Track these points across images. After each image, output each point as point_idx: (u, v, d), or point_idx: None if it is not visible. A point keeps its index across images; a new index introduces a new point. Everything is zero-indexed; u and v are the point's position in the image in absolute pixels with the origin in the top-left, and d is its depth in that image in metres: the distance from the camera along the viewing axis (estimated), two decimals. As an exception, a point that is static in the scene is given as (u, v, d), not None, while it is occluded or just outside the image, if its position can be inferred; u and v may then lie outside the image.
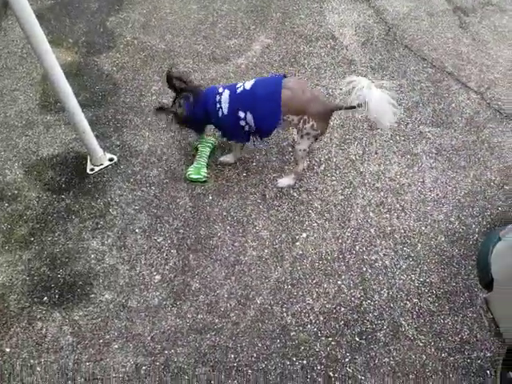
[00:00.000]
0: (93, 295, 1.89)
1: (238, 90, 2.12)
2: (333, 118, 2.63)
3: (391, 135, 2.60)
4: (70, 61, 2.89)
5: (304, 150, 2.19)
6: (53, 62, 1.96)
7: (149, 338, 1.79)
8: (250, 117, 2.10)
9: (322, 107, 2.10)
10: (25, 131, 2.49)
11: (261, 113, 2.08)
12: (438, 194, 2.35)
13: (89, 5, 3.38)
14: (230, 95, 2.12)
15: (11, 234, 2.06)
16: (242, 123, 2.13)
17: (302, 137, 2.14)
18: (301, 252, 2.09)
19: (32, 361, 1.70)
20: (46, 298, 1.88)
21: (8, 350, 1.73)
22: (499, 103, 2.80)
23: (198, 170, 2.32)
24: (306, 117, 2.07)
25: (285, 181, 2.35)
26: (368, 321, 1.90)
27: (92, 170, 2.31)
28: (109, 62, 2.93)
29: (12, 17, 3.14)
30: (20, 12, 1.71)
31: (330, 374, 1.75)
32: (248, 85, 2.12)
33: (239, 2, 3.44)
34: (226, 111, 2.12)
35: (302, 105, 2.06)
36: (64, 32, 3.14)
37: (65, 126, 2.52)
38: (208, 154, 2.41)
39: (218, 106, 2.12)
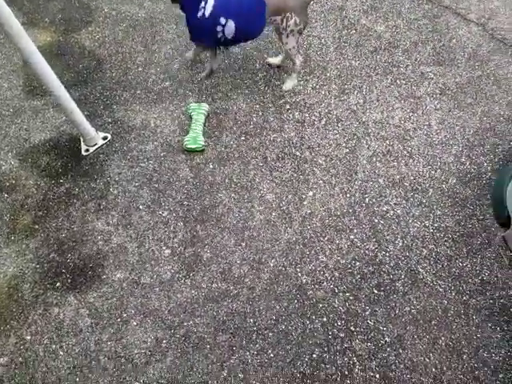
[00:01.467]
0: (105, 276, 1.87)
1: None
2: (329, 69, 2.52)
3: (391, 79, 2.47)
4: (49, 41, 2.74)
5: (294, 48, 2.31)
6: (30, 47, 1.85)
7: (166, 312, 1.78)
8: (231, 25, 2.17)
9: (298, 1, 2.19)
10: (13, 119, 2.40)
11: (248, 19, 2.20)
12: (445, 136, 2.25)
13: (61, -21, 3.20)
14: (215, 1, 2.19)
15: (15, 224, 2.02)
16: (219, 29, 2.20)
17: (287, 36, 2.25)
18: (309, 211, 2.04)
19: (54, 346, 1.69)
20: (58, 283, 1.86)
21: (29, 337, 1.72)
22: (502, 33, 2.64)
23: (194, 138, 2.23)
24: (288, 14, 2.18)
25: (289, 83, 2.46)
26: (384, 272, 1.86)
27: (87, 150, 2.23)
28: (89, 37, 2.78)
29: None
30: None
31: (352, 328, 1.73)
32: None
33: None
34: (207, 14, 2.17)
35: (283, 3, 2.17)
36: (39, 11, 2.98)
37: (53, 109, 2.42)
38: (203, 121, 2.32)
39: (202, 5, 2.18)
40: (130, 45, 2.72)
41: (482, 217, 2.00)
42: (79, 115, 2.17)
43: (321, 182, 2.13)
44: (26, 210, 2.06)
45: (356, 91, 2.43)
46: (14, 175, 2.19)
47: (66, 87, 2.08)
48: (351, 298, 1.81)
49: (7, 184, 2.16)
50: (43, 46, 2.72)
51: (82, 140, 2.25)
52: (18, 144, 2.30)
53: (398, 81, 2.46)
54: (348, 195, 2.08)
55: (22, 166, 2.22)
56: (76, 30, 2.84)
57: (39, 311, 1.78)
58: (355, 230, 1.98)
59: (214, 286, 1.85)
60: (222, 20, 2.17)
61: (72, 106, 2.13)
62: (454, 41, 2.62)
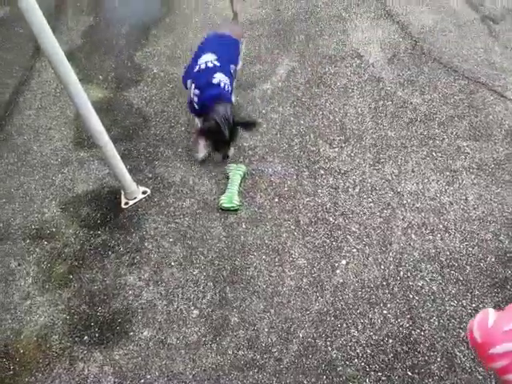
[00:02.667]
0: (132, 333, 1.86)
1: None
2: (364, 138, 2.58)
3: (427, 152, 2.50)
4: (100, 97, 2.96)
5: None
6: (84, 100, 2.01)
7: (190, 377, 1.74)
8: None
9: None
10: (60, 169, 2.54)
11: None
12: (483, 212, 2.22)
13: (117, 42, 3.49)
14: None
15: (51, 273, 2.08)
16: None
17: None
18: (341, 280, 2.01)
19: (75, 404, 1.68)
20: (86, 337, 1.86)
21: (51, 392, 1.72)
22: (540, 111, 2.66)
23: (230, 198, 2.29)
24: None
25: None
26: (419, 352, 1.78)
27: (126, 203, 2.32)
28: (137, 95, 2.98)
29: (44, 58, 3.27)
30: (51, 55, 1.75)
31: (383, 412, 1.64)
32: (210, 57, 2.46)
33: (262, 27, 3.47)
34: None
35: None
36: (94, 69, 3.24)
37: (98, 161, 2.56)
38: (239, 181, 2.39)
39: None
40: (175, 105, 2.89)
41: (523, 300, 1.92)
42: (122, 169, 2.28)
43: (354, 250, 2.11)
44: (63, 258, 2.13)
45: (391, 161, 2.46)
46: (55, 223, 2.28)
47: (112, 141, 2.21)
48: (383, 378, 1.73)
49: (48, 232, 2.25)
50: (95, 102, 2.90)
51: (122, 193, 2.35)
52: (62, 193, 2.42)
53: (433, 153, 2.49)
54: (382, 267, 2.05)
55: (64, 215, 2.32)
56: (126, 88, 3.06)
57: (64, 365, 1.78)
58: (389, 305, 1.92)
59: (240, 353, 1.80)
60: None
61: (117, 159, 2.24)
62: (491, 117, 2.65)
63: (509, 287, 1.96)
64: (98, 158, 2.58)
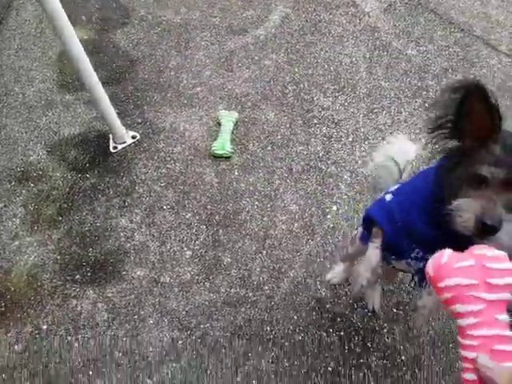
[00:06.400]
0: (124, 272, 1.92)
1: None
2: (359, 87, 2.61)
3: (420, 103, 2.55)
4: (85, 38, 2.86)
5: None
6: (71, 35, 1.96)
7: (183, 313, 1.82)
8: None
9: None
10: (45, 111, 2.49)
11: None
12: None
13: (99, -19, 3.35)
14: None
15: (39, 215, 2.08)
16: None
17: None
18: (332, 225, 2.08)
19: (69, 337, 1.73)
20: (78, 276, 1.91)
21: (45, 327, 1.76)
22: (533, 66, 2.72)
23: (222, 145, 2.30)
24: None
25: None
26: (404, 291, 1.90)
27: (115, 148, 2.31)
28: (124, 38, 2.90)
29: (22, -4, 3.13)
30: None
31: (368, 344, 1.76)
32: None
33: (254, -29, 3.38)
34: None
35: None
36: (77, 9, 3.10)
37: (84, 104, 2.51)
38: (231, 128, 2.40)
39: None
40: (163, 48, 2.83)
41: None
42: (112, 112, 2.25)
43: (345, 197, 2.18)
44: (51, 201, 2.13)
45: (385, 111, 2.51)
46: (41, 166, 2.26)
47: (99, 84, 2.17)
48: (370, 314, 1.85)
49: (34, 174, 2.23)
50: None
51: (111, 137, 2.34)
52: (47, 136, 2.38)
53: (426, 104, 2.54)
54: (371, 213, 2.13)
55: (50, 158, 2.30)
56: (112, 30, 2.96)
57: (57, 302, 1.83)
58: (377, 248, 2.03)
59: (232, 291, 1.89)
60: None
61: (106, 102, 2.21)
62: (484, 71, 2.70)
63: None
64: (84, 102, 2.54)
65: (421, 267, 1.28)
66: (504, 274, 0.89)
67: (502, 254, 0.93)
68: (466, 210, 1.00)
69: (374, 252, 1.34)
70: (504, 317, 0.87)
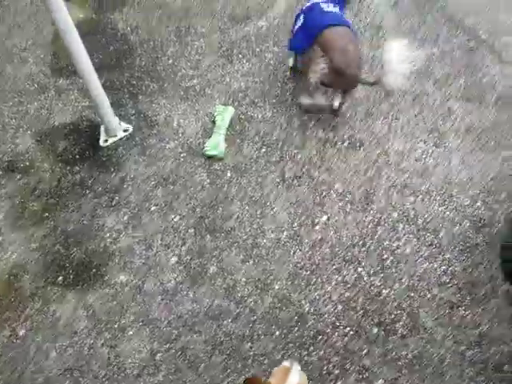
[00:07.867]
0: (108, 277, 1.62)
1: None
2: (357, 91, 2.18)
3: (419, 110, 2.15)
4: (82, 17, 2.38)
5: None
6: (68, 23, 1.55)
7: (165, 323, 1.55)
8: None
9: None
10: (36, 96, 2.08)
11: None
12: (465, 177, 1.96)
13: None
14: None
15: (24, 210, 1.75)
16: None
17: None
18: (320, 236, 1.77)
19: (47, 344, 1.47)
20: (60, 277, 1.61)
21: (23, 331, 1.49)
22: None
23: (215, 145, 1.93)
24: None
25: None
26: (386, 312, 1.62)
27: (106, 141, 1.94)
28: (123, 19, 2.41)
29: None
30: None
31: (347, 366, 1.51)
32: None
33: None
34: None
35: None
36: (76, -15, 2.59)
37: (78, 91, 2.10)
38: (226, 125, 2.01)
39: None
40: (162, 34, 2.36)
41: (489, 266, 1.74)
42: (105, 103, 1.86)
43: (336, 207, 1.85)
44: (37, 195, 1.79)
45: (382, 117, 2.11)
46: (29, 156, 1.90)
47: (94, 68, 1.75)
48: (351, 333, 1.58)
49: (21, 165, 1.87)
50: (75, 23, 2.33)
51: (102, 129, 1.95)
52: (37, 123, 2.00)
53: (425, 112, 2.14)
54: (361, 225, 1.81)
55: (39, 148, 1.93)
56: (110, 9, 2.46)
57: (37, 306, 1.55)
58: (363, 263, 1.72)
59: (216, 302, 1.60)
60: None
61: (99, 92, 1.81)
62: (486, 79, 2.26)
63: (478, 252, 1.77)
64: (78, 88, 2.12)
65: None
66: None
67: None
68: None
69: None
70: None
